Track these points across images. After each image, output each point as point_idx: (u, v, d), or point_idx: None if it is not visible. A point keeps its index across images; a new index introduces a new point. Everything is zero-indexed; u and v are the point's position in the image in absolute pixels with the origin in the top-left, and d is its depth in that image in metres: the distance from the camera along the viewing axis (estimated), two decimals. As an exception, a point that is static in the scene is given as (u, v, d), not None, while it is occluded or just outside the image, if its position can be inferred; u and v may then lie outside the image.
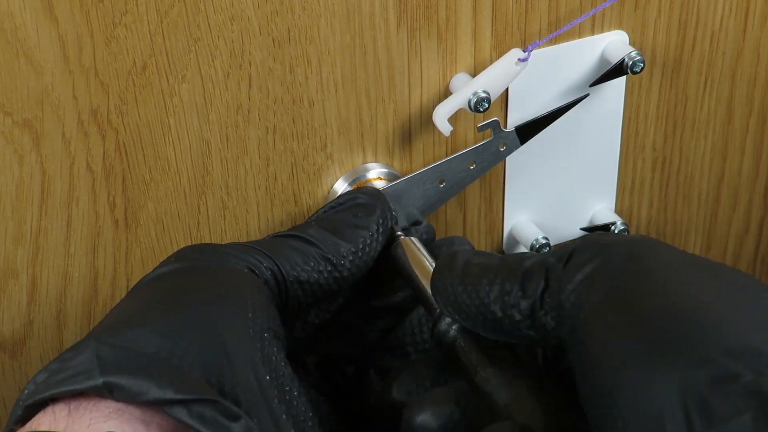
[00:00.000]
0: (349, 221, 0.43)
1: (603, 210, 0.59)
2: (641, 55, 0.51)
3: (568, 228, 0.59)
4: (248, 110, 0.48)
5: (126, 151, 0.47)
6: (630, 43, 0.54)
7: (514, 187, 0.56)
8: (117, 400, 0.32)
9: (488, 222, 0.57)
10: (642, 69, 0.51)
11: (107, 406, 0.32)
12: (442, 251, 0.45)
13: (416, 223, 0.50)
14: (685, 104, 0.58)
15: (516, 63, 0.49)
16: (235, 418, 0.32)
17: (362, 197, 0.45)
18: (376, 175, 0.51)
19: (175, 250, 0.50)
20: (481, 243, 0.58)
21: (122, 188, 0.48)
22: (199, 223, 0.50)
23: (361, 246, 0.42)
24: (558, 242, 0.59)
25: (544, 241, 0.56)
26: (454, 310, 0.38)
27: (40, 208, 0.47)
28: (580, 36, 0.53)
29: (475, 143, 0.53)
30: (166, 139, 0.47)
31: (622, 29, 0.53)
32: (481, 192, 0.55)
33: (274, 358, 0.35)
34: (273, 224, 0.51)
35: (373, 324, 0.45)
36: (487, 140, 0.51)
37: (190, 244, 0.50)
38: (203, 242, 0.48)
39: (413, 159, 0.53)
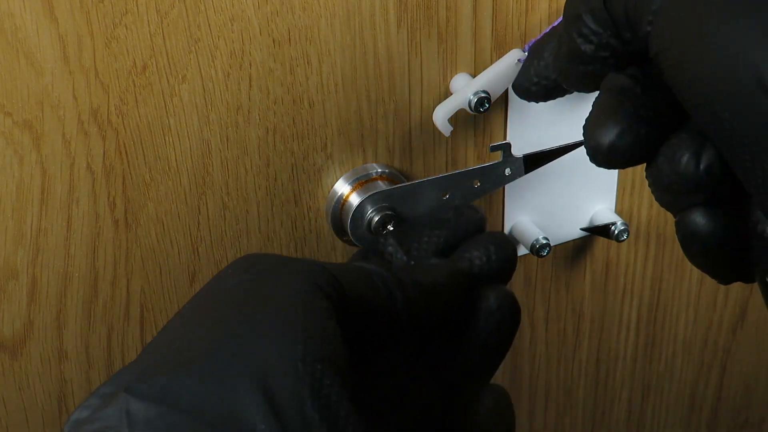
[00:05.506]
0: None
1: (603, 210, 0.59)
2: (641, 56, 0.51)
3: (568, 228, 0.59)
4: (248, 110, 0.48)
5: (126, 152, 0.47)
6: (630, 44, 0.54)
7: (514, 188, 0.56)
8: None
9: (488, 222, 0.57)
10: (642, 69, 0.51)
11: None
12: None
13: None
14: (685, 104, 0.58)
15: (516, 63, 0.49)
16: None
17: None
18: (376, 174, 0.51)
19: (176, 250, 0.50)
20: (481, 243, 0.58)
21: (122, 188, 0.48)
22: (199, 223, 0.50)
23: (428, 281, 0.40)
24: (558, 242, 0.59)
25: (544, 241, 0.56)
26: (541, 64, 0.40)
27: (40, 209, 0.47)
28: (580, 36, 0.52)
29: (475, 146, 0.53)
30: (167, 139, 0.47)
31: (623, 29, 0.53)
32: (481, 192, 0.55)
33: (326, 392, 0.32)
34: (273, 224, 0.51)
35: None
36: (495, 162, 0.50)
37: (190, 243, 0.50)
38: (260, 252, 0.46)
39: (413, 159, 0.53)
